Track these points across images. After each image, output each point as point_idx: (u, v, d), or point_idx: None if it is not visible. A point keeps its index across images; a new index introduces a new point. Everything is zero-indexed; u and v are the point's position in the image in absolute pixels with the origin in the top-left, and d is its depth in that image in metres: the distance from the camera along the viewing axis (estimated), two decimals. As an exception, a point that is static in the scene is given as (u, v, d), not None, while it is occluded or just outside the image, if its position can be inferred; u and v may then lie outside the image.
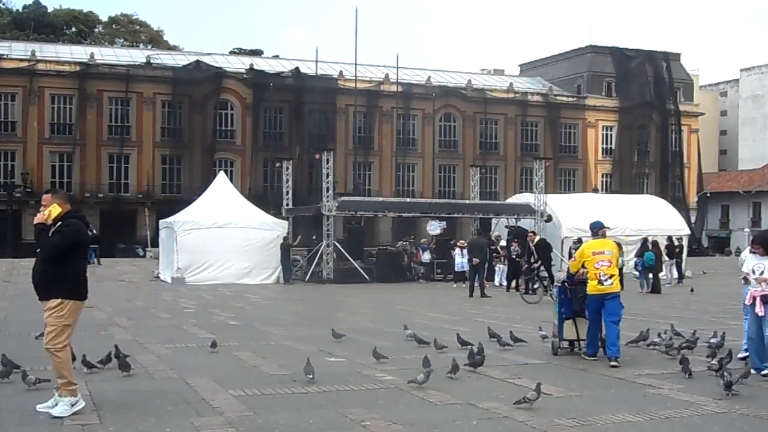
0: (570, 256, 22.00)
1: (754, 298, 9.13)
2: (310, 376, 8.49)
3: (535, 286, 20.72)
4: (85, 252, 7.35)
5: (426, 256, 29.76)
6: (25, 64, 48.86)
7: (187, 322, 14.80)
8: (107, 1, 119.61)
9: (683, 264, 29.91)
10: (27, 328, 12.56)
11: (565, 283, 10.75)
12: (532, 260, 21.98)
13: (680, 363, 9.15)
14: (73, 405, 6.97)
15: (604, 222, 11.15)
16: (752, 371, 9.06)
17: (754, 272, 9.24)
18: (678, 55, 67.29)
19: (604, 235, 10.93)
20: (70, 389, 7.01)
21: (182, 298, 20.87)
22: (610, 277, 10.12)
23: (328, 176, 28.16)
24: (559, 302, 10.77)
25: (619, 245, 25.85)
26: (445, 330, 13.05)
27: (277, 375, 9.08)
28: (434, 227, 31.34)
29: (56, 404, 6.99)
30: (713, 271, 36.12)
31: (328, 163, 28.39)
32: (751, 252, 9.64)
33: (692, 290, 23.97)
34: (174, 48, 73.07)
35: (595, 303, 10.19)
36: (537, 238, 22.31)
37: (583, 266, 10.36)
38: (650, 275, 24.52)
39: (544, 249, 21.73)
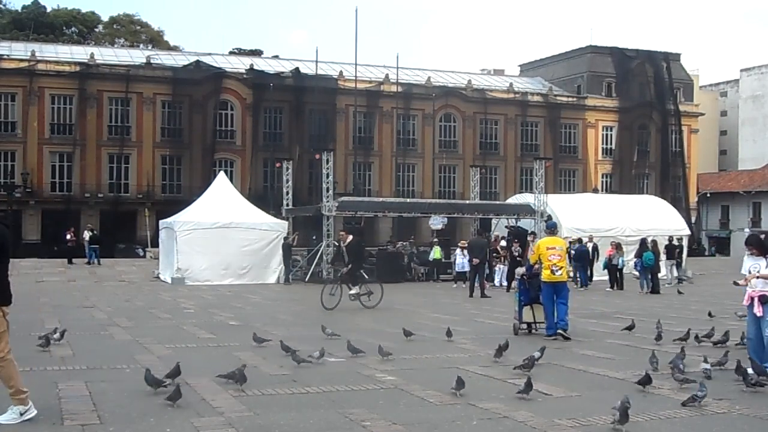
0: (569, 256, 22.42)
1: (752, 299, 9.13)
2: (238, 383, 8.20)
3: (351, 291, 18.30)
4: (8, 255, 6.99)
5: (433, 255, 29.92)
6: (25, 64, 48.79)
7: (187, 323, 14.80)
8: (108, 1, 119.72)
9: (683, 264, 29.92)
10: (27, 328, 12.57)
11: (524, 276, 13.15)
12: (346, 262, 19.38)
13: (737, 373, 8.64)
14: (22, 414, 6.69)
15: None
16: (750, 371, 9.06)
17: (750, 273, 9.23)
18: (678, 55, 67.26)
19: (555, 234, 13.53)
20: (20, 398, 6.73)
21: (182, 298, 20.87)
22: (561, 268, 12.63)
23: (328, 176, 28.15)
24: (519, 291, 13.17)
25: (619, 246, 26.26)
26: (444, 330, 13.03)
27: (277, 375, 9.09)
28: (436, 222, 31.30)
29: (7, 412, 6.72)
30: (714, 271, 36.09)
31: (328, 163, 28.37)
32: (746, 254, 9.59)
33: (680, 292, 23.78)
34: (174, 48, 73.01)
35: (548, 289, 12.58)
36: (349, 238, 19.77)
37: (539, 259, 12.70)
38: (650, 275, 24.54)
39: (356, 250, 19.99)
